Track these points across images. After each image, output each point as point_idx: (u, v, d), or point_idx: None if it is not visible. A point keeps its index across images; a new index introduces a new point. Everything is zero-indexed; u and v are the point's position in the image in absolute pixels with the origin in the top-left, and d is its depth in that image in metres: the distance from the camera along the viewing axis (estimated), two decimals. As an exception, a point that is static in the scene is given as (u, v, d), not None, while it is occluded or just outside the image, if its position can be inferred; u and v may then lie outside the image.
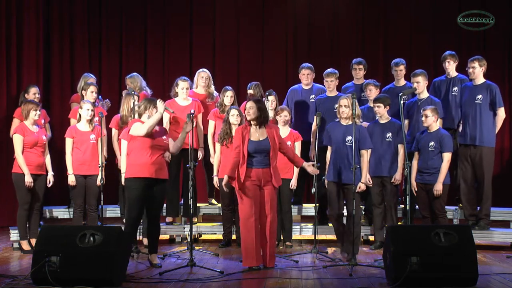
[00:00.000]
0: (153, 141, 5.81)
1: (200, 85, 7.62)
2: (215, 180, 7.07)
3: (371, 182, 6.87)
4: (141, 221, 7.06)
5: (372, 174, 6.88)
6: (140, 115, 5.96)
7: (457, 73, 7.41)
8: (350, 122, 6.27)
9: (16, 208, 6.84)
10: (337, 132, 6.37)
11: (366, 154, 6.36)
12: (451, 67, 7.38)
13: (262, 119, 5.84)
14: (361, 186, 6.28)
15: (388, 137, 6.80)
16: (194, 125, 5.89)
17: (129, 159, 5.88)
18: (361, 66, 7.70)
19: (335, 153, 6.38)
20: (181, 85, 7.28)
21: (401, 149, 6.72)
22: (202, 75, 7.61)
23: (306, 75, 7.59)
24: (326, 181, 6.45)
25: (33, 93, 7.29)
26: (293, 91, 7.73)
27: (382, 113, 6.82)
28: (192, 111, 5.92)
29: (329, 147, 6.51)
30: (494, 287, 5.08)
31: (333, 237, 7.57)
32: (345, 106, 6.31)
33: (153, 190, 5.84)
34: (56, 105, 9.09)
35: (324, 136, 6.60)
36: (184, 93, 7.28)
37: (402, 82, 7.53)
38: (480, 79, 7.00)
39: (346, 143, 6.28)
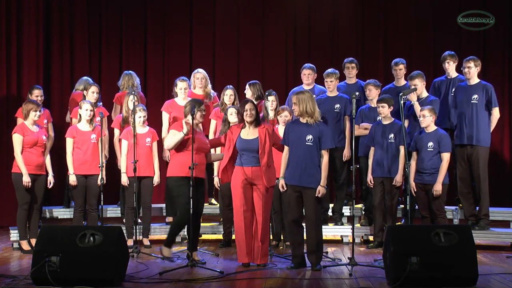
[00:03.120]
0: (194, 142, 5.91)
1: (197, 86, 7.62)
2: (215, 180, 7.07)
3: (373, 182, 6.90)
4: (140, 221, 7.11)
5: (373, 174, 6.90)
6: (185, 116, 6.11)
7: (457, 74, 7.41)
8: (308, 121, 5.80)
9: (16, 208, 6.83)
10: (297, 131, 5.81)
11: (326, 155, 5.76)
12: (451, 67, 7.38)
13: (258, 120, 6.00)
14: (321, 190, 5.68)
15: (391, 138, 6.80)
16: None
17: (172, 158, 6.06)
18: (353, 65, 7.70)
19: (293, 153, 5.79)
20: (180, 85, 7.30)
21: (401, 150, 6.72)
22: (198, 76, 7.61)
23: (307, 75, 7.58)
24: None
25: (36, 95, 7.28)
26: (293, 93, 7.70)
27: (386, 113, 6.81)
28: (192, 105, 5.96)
29: (285, 147, 5.87)
30: (494, 287, 5.08)
31: (333, 237, 7.60)
32: (294, 103, 5.81)
33: (195, 188, 5.94)
34: (56, 105, 9.08)
35: (284, 134, 5.98)
36: (183, 93, 7.28)
37: (402, 82, 7.53)
38: (475, 79, 7.00)
39: (306, 143, 5.73)
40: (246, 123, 5.98)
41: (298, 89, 7.66)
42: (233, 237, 7.18)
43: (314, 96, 7.51)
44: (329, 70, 7.46)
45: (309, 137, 5.74)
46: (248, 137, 5.95)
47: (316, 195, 5.70)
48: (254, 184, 5.93)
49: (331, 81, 7.37)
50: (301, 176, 5.73)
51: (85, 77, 7.92)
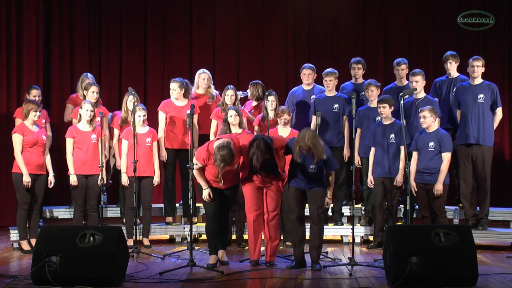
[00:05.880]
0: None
1: (201, 86, 7.61)
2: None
3: (373, 183, 6.90)
4: (140, 221, 7.11)
5: (374, 175, 6.90)
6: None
7: (458, 74, 7.41)
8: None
9: (16, 208, 6.83)
10: (301, 157, 5.73)
11: (333, 174, 5.88)
12: (452, 67, 7.37)
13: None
14: (328, 202, 5.94)
15: (391, 138, 6.80)
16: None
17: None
18: (359, 66, 7.69)
19: (299, 174, 5.81)
20: (171, 86, 7.31)
21: (402, 150, 6.71)
22: (203, 77, 7.60)
23: (307, 75, 7.57)
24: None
25: (34, 95, 7.26)
26: (293, 93, 7.71)
27: (387, 113, 6.81)
28: (191, 107, 5.95)
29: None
30: (494, 287, 5.08)
31: (332, 237, 7.60)
32: (312, 145, 5.57)
33: (223, 192, 6.00)
34: (56, 105, 9.08)
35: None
36: (176, 94, 7.28)
37: (404, 81, 7.51)
38: (479, 79, 7.01)
39: (310, 170, 5.73)
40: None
41: (296, 89, 7.67)
42: (233, 237, 7.21)
43: (313, 96, 7.56)
44: (328, 69, 7.45)
45: (312, 166, 5.73)
46: None
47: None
48: (266, 187, 5.96)
49: (330, 80, 7.36)
50: (304, 179, 5.78)
51: (85, 73, 7.88)
